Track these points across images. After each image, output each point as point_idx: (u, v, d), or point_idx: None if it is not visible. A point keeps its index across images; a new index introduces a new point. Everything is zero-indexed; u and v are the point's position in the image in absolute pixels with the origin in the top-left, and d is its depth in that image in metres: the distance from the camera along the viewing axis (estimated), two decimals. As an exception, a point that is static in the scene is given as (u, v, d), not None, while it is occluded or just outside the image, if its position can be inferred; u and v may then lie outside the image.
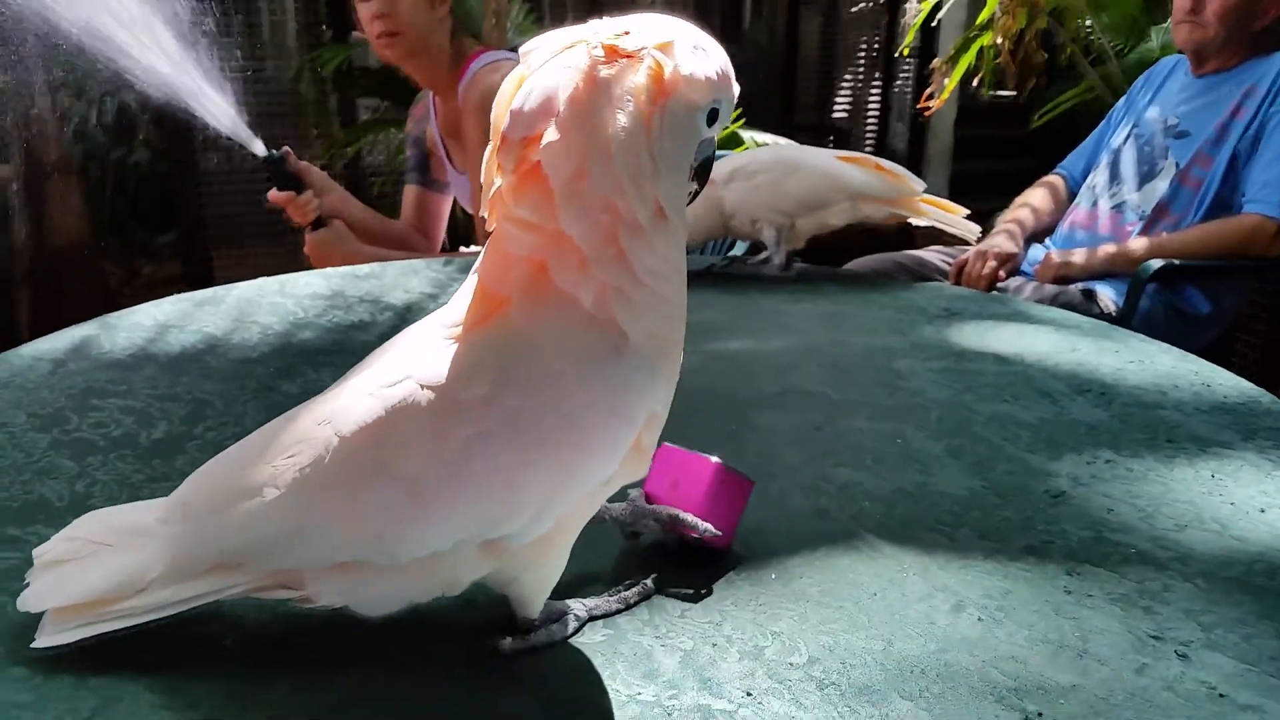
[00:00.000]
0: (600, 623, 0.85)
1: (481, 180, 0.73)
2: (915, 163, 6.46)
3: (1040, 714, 0.74)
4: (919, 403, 1.33)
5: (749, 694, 0.76)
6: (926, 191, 1.94)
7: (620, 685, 0.77)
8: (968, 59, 3.90)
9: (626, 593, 0.87)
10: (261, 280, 1.92)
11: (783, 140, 4.10)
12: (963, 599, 0.88)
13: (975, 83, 4.01)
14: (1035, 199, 3.09)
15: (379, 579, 0.74)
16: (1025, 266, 2.89)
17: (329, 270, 2.02)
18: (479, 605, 0.85)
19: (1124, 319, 2.55)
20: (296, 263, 2.29)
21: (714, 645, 0.82)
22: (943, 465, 1.15)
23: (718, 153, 1.94)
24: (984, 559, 0.95)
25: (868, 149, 6.38)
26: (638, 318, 0.72)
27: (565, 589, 0.87)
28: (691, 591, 0.89)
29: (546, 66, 0.68)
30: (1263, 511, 1.05)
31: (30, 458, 1.13)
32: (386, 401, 0.71)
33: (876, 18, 6.28)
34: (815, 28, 6.33)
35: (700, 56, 0.70)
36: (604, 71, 0.67)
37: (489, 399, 0.70)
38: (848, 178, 1.92)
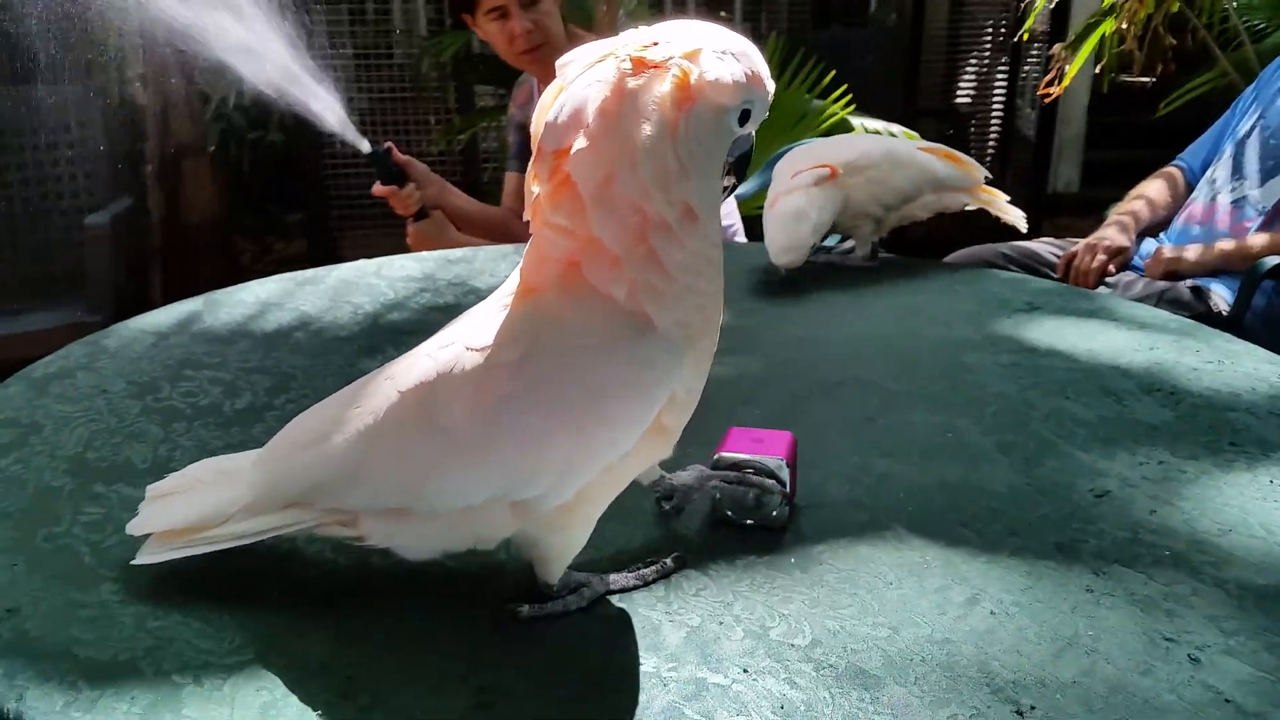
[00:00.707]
0: (616, 596, 0.89)
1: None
2: (1044, 150, 6.26)
3: (1033, 707, 0.75)
4: (979, 396, 1.32)
5: (745, 670, 0.79)
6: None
7: (624, 655, 0.81)
8: (1091, 44, 3.76)
9: (645, 570, 0.91)
10: (362, 262, 2.02)
11: (895, 129, 4.04)
12: (980, 592, 0.89)
13: (1096, 69, 3.87)
14: (1152, 190, 2.98)
15: (420, 525, 0.82)
16: (1136, 260, 2.79)
17: (425, 254, 2.11)
18: (506, 573, 0.90)
19: (1235, 318, 2.44)
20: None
21: (720, 623, 0.85)
22: (990, 460, 1.15)
23: (802, 142, 1.95)
24: (1010, 555, 0.95)
25: (993, 135, 6.21)
26: (667, 308, 0.77)
27: (591, 564, 0.92)
28: (710, 573, 0.92)
29: (579, 80, 0.73)
30: (1317, 520, 1.02)
31: (123, 422, 1.23)
32: (438, 362, 0.80)
33: (1004, 1, 6.11)
34: (941, 9, 6.19)
35: (727, 61, 0.74)
36: (631, 82, 0.72)
37: (519, 365, 0.77)
38: (936, 169, 1.91)
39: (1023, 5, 3.67)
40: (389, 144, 2.39)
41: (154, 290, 3.69)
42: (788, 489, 0.99)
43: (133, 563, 0.87)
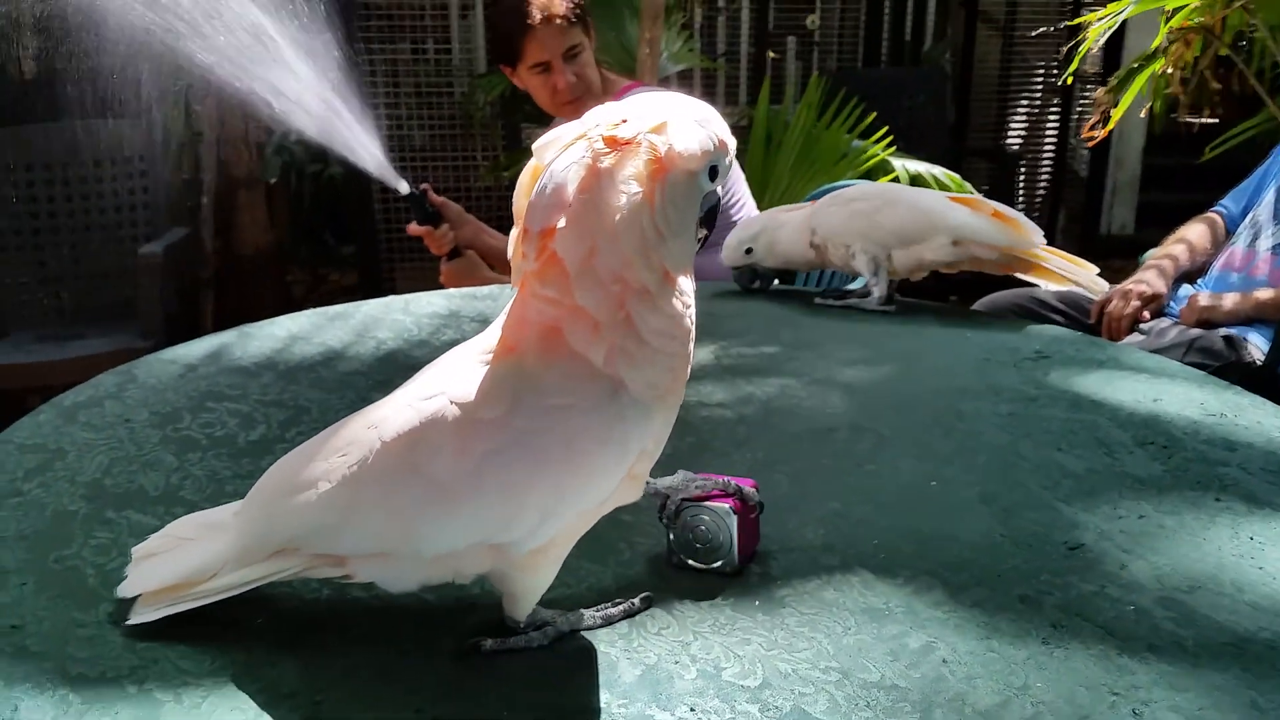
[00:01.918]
0: (579, 634, 0.92)
1: (509, 258, 0.84)
2: (1098, 192, 6.21)
3: (968, 756, 0.77)
4: (970, 446, 1.34)
5: (692, 709, 0.82)
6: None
7: (578, 691, 0.84)
8: (1135, 89, 3.74)
9: (612, 610, 0.94)
10: (391, 299, 2.09)
11: (937, 170, 4.05)
12: (935, 640, 0.91)
13: (1142, 114, 3.85)
14: (1192, 234, 2.96)
15: (405, 564, 0.87)
16: (1172, 307, 2.77)
17: (454, 291, 2.17)
18: (476, 608, 0.94)
19: (1270, 368, 2.41)
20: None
21: (676, 662, 0.88)
22: (969, 510, 1.16)
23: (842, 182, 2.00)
24: (972, 604, 0.97)
25: (1044, 175, 6.17)
26: (638, 370, 0.82)
27: (564, 599, 0.96)
28: (674, 612, 0.95)
29: (556, 161, 0.78)
30: (1289, 578, 1.02)
31: (141, 450, 1.30)
32: (422, 413, 0.84)
33: (1056, 41, 6.07)
34: (993, 49, 6.18)
35: (693, 130, 0.80)
36: (606, 161, 0.77)
37: (503, 420, 0.82)
38: (947, 216, 1.92)
39: (1072, 45, 3.66)
40: (425, 185, 2.47)
41: (205, 318, 3.81)
42: (733, 538, 1.00)
43: (126, 623, 0.91)
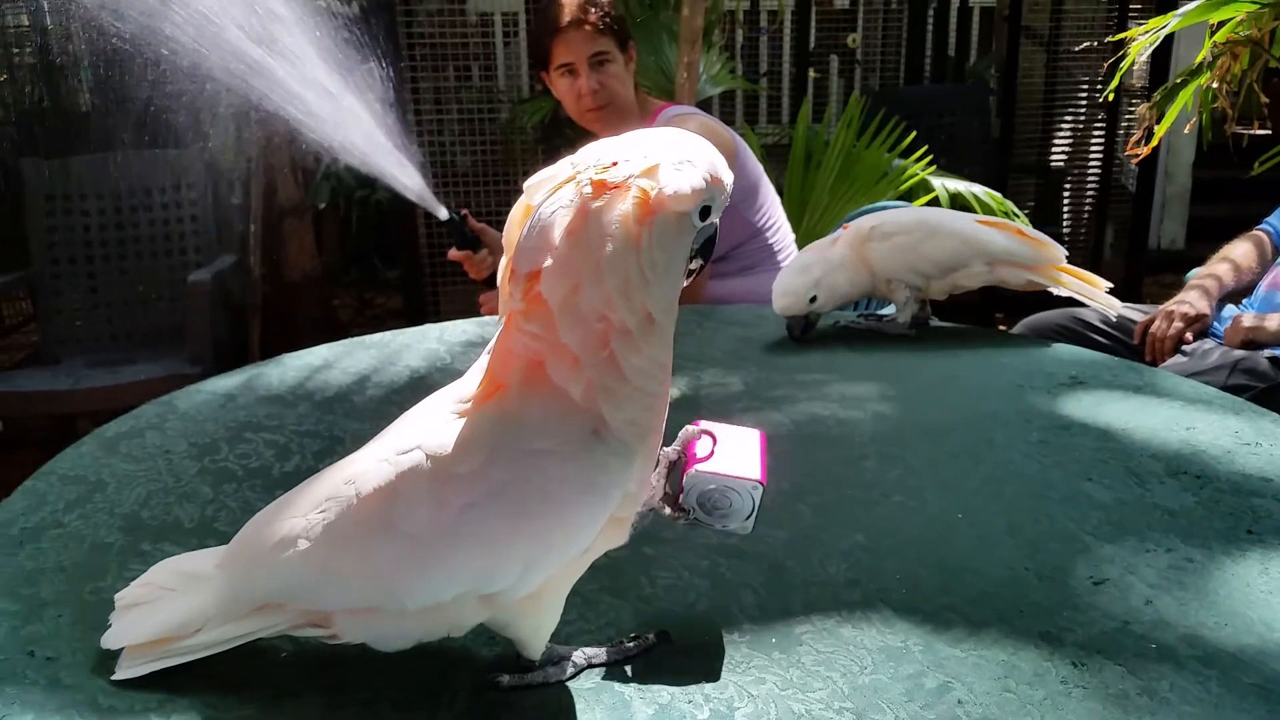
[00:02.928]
0: (596, 669, 0.93)
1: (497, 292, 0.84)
2: (1146, 206, 6.11)
3: (980, 799, 0.76)
4: (999, 475, 1.33)
5: (703, 749, 0.82)
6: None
7: (591, 729, 0.85)
8: (1179, 104, 3.69)
9: (627, 645, 0.95)
10: (426, 327, 2.11)
11: (977, 188, 4.02)
12: (953, 680, 0.91)
13: (1187, 129, 3.79)
14: (1237, 253, 2.91)
15: (392, 621, 0.87)
16: (1216, 327, 2.72)
17: (487, 318, 2.19)
18: (495, 644, 0.96)
19: (1317, 389, 2.36)
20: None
21: (689, 701, 0.88)
22: (995, 543, 1.16)
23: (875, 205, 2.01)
24: (993, 642, 0.97)
25: (1090, 191, 6.09)
26: (619, 408, 0.82)
27: (582, 635, 0.97)
28: (690, 650, 0.96)
29: (545, 204, 0.79)
30: (1321, 616, 1.00)
31: (178, 482, 1.33)
32: (399, 468, 0.84)
33: (1102, 54, 6.00)
34: (1038, 64, 6.12)
35: (685, 171, 0.79)
36: (594, 204, 0.77)
37: (481, 473, 0.82)
38: (987, 241, 1.92)
39: (1114, 59, 3.62)
40: (465, 211, 2.50)
41: (253, 344, 3.88)
42: (756, 510, 0.96)
43: (113, 678, 0.91)
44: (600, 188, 0.77)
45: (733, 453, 0.98)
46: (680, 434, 0.99)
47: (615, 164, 0.78)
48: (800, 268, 1.92)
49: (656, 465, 0.95)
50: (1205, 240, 3.00)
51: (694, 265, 0.85)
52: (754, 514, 0.96)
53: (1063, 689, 0.89)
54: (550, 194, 0.79)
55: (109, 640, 0.93)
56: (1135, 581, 1.07)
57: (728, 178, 0.82)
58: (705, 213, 0.81)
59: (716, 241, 0.87)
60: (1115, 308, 1.92)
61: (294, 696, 0.89)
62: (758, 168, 2.78)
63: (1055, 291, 1.93)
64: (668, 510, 0.97)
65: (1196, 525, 1.19)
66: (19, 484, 1.35)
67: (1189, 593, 1.05)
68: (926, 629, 0.99)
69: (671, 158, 0.79)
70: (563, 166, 0.80)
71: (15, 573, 1.11)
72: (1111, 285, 1.94)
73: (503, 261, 0.83)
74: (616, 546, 0.90)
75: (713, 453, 0.97)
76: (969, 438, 1.46)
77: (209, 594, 0.90)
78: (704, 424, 0.99)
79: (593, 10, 2.56)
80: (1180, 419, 1.51)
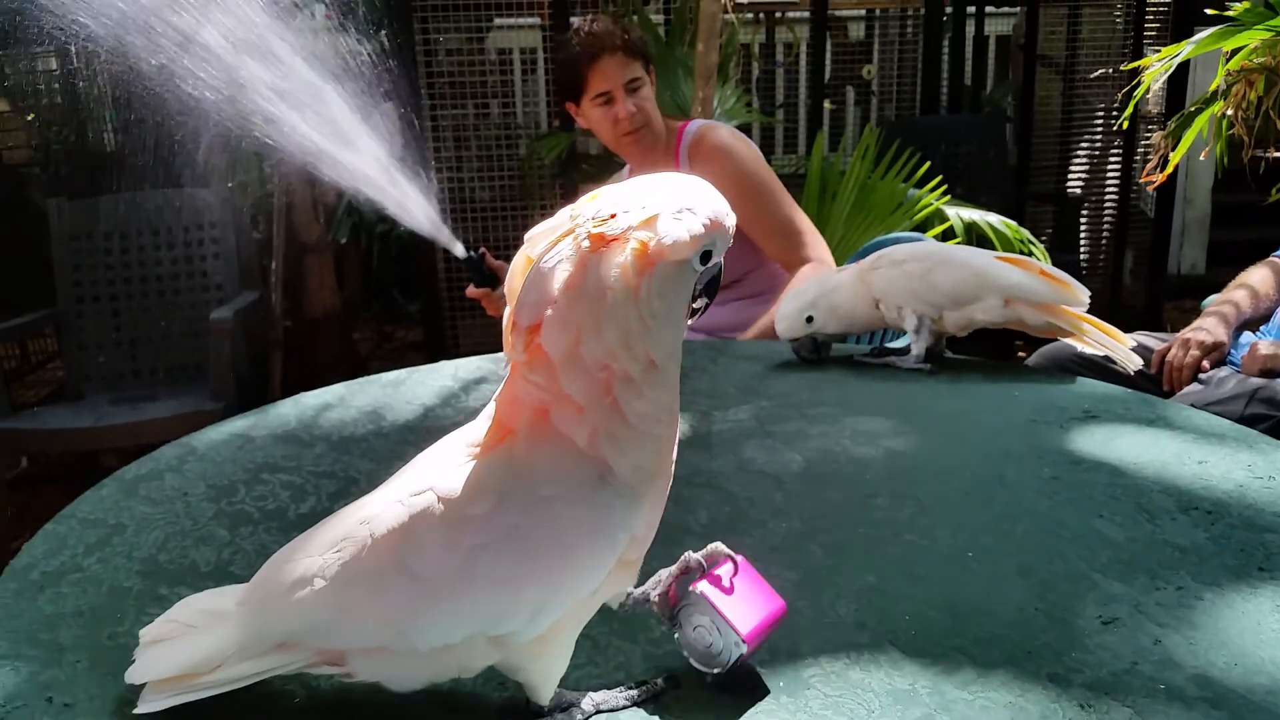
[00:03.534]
0: (605, 715, 0.93)
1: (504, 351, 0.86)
2: (1164, 232, 6.09)
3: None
4: (1010, 514, 1.33)
5: (709, 795, 0.83)
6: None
7: (598, 774, 0.85)
8: (1194, 132, 3.69)
9: (635, 691, 0.95)
10: (442, 364, 2.14)
11: (993, 217, 4.03)
12: (960, 722, 0.91)
13: (1203, 155, 3.78)
14: (1255, 279, 2.90)
15: (405, 661, 0.88)
16: (1234, 355, 2.71)
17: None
18: (505, 687, 0.96)
19: (1336, 418, 2.35)
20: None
21: (696, 746, 0.89)
22: (1005, 582, 1.16)
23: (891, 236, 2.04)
24: (1001, 684, 0.97)
25: (1108, 217, 6.07)
26: (624, 454, 0.83)
27: (592, 679, 0.98)
28: (698, 694, 0.96)
29: (546, 256, 0.80)
30: (1333, 656, 1.00)
31: (196, 525, 1.35)
32: (411, 509, 0.86)
33: (1118, 81, 6.01)
34: (1054, 92, 6.13)
35: (685, 219, 0.80)
36: (592, 258, 0.79)
37: (491, 516, 0.83)
38: (999, 275, 1.92)
39: (1129, 87, 3.62)
40: (483, 249, 2.53)
41: (274, 380, 3.92)
42: (726, 668, 0.95)
43: (134, 712, 0.93)
44: (599, 241, 0.79)
45: (745, 598, 0.97)
46: (712, 546, 0.99)
47: (614, 215, 0.79)
48: (797, 292, 2.00)
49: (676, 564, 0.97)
50: (1226, 265, 2.99)
51: (698, 305, 0.87)
52: (727, 667, 0.95)
53: (1070, 732, 0.89)
54: (550, 246, 0.80)
55: (133, 675, 0.94)
56: (1144, 620, 1.07)
57: (729, 220, 0.83)
58: (706, 256, 0.83)
59: (723, 272, 0.88)
60: (1135, 364, 1.91)
61: (306, 741, 0.91)
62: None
63: (1077, 347, 1.93)
64: (656, 607, 0.98)
65: (1207, 562, 1.19)
66: (44, 518, 1.38)
67: (1199, 631, 1.04)
68: (935, 671, 0.99)
69: (671, 207, 0.80)
70: (562, 217, 0.82)
71: (35, 617, 1.13)
72: (1135, 343, 1.93)
73: (506, 312, 0.84)
74: (627, 588, 0.91)
75: (729, 586, 0.97)
76: (981, 475, 1.46)
77: (229, 631, 0.91)
78: (741, 558, 0.99)
79: (624, 36, 2.64)
80: (1193, 453, 1.51)
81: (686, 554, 0.98)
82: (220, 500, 1.43)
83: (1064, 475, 1.45)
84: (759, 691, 0.96)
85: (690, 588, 0.96)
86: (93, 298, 3.90)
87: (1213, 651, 1.01)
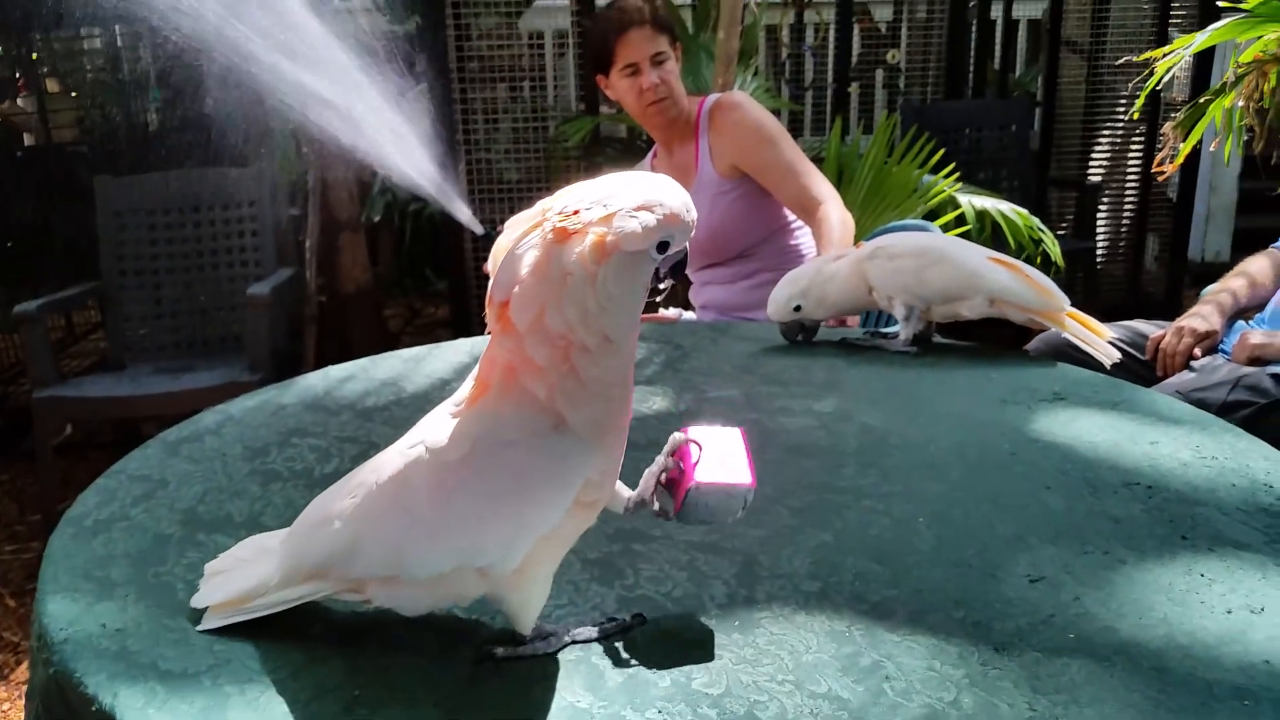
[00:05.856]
0: (579, 645, 1.08)
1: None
2: (1185, 219, 6.12)
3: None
4: (964, 484, 1.45)
5: (659, 711, 0.97)
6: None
7: (567, 693, 1.00)
8: (1205, 123, 3.75)
9: (607, 625, 1.10)
10: (460, 341, 2.28)
11: (1004, 205, 4.11)
12: (885, 658, 1.04)
13: (1213, 146, 3.84)
14: (1253, 268, 2.99)
15: (410, 589, 1.05)
16: (1226, 343, 2.80)
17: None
18: (494, 622, 1.11)
19: (1317, 405, 2.44)
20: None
21: (654, 671, 1.03)
22: (948, 544, 1.28)
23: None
24: (928, 629, 1.10)
25: (1129, 204, 6.11)
26: (577, 409, 0.98)
27: (568, 615, 1.12)
28: (662, 631, 1.11)
29: (519, 245, 0.95)
30: (1229, 613, 1.12)
31: (232, 481, 1.50)
32: (407, 459, 1.03)
33: (1143, 68, 6.02)
34: (1079, 78, 6.16)
35: (640, 217, 0.93)
36: (556, 248, 0.93)
37: (465, 460, 1.00)
38: (989, 279, 2.02)
39: (1141, 77, 3.69)
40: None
41: (308, 353, 4.09)
42: (744, 508, 1.09)
43: (198, 629, 1.11)
44: (562, 234, 0.93)
45: (721, 456, 1.11)
46: (669, 441, 1.13)
47: (577, 212, 0.93)
48: (791, 278, 2.10)
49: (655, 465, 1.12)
50: (1251, 252, 3.05)
51: (664, 285, 1.01)
52: (741, 511, 1.10)
53: (981, 669, 1.02)
54: (522, 236, 0.94)
55: (198, 600, 1.14)
56: (1068, 580, 1.19)
57: (688, 215, 0.96)
58: (664, 246, 0.96)
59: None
60: (1112, 357, 2.01)
61: (321, 661, 1.05)
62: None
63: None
64: (657, 508, 1.12)
65: (1138, 532, 1.31)
66: (88, 481, 1.54)
67: (1115, 590, 1.17)
68: (870, 617, 1.12)
69: (629, 204, 0.93)
70: (536, 210, 0.96)
71: (90, 558, 1.28)
72: (1114, 336, 2.05)
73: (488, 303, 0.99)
74: (589, 527, 1.06)
75: (699, 460, 1.10)
76: (944, 449, 1.59)
77: (273, 564, 1.09)
78: (690, 430, 1.13)
79: (651, 11, 2.81)
80: (1147, 434, 1.62)
81: (657, 460, 1.11)
82: (254, 460, 1.59)
83: (1021, 451, 1.57)
84: (717, 628, 1.10)
85: (685, 488, 1.08)
86: (135, 272, 4.09)
87: (1125, 608, 1.14)
